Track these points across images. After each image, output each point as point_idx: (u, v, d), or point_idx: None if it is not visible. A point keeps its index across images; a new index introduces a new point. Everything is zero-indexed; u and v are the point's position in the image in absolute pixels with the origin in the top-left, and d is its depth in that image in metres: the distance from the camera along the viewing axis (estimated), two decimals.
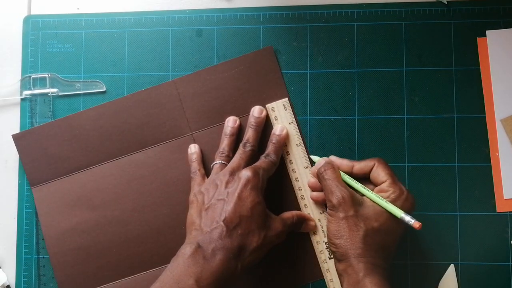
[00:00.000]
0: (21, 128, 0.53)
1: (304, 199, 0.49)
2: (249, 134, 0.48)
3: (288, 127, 0.50)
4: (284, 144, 0.49)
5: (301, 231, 0.49)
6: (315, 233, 0.49)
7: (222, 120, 0.50)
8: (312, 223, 0.48)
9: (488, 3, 0.50)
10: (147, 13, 0.53)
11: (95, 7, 0.54)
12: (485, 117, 0.49)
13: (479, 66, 0.50)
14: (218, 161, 0.47)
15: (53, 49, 0.54)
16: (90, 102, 0.53)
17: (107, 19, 0.53)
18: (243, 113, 0.50)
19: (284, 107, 0.50)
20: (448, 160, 0.49)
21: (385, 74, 0.51)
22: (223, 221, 0.42)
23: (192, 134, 0.51)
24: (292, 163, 0.50)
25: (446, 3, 0.51)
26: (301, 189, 0.49)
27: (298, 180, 0.49)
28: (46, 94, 0.53)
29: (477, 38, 0.50)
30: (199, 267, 0.40)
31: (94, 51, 0.53)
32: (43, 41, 0.54)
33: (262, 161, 0.46)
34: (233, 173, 0.45)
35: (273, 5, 0.52)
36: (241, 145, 0.48)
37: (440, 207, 0.49)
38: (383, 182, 0.43)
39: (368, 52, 0.51)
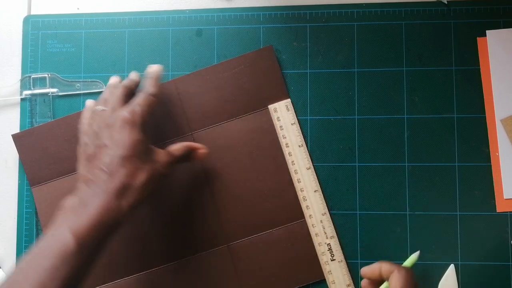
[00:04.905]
0: (21, 128, 0.53)
1: (306, 200, 0.49)
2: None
3: (290, 128, 0.50)
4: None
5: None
6: (317, 234, 0.49)
7: (223, 119, 0.50)
8: (202, 151, 0.48)
9: (488, 3, 0.50)
10: (147, 13, 0.53)
11: (95, 7, 0.54)
12: (485, 117, 0.49)
13: (479, 66, 0.50)
14: (97, 107, 0.45)
15: (53, 49, 0.54)
16: None
17: (107, 19, 0.53)
18: (243, 113, 0.50)
19: (287, 107, 0.50)
20: (448, 160, 0.49)
21: (385, 74, 0.51)
22: (106, 166, 0.41)
23: (192, 134, 0.51)
24: (294, 164, 0.50)
25: (446, 3, 0.51)
26: (303, 190, 0.49)
27: (300, 181, 0.49)
28: (46, 94, 0.53)
29: (477, 38, 0.50)
30: (77, 216, 0.38)
31: (94, 51, 0.53)
32: (43, 41, 0.54)
33: (138, 97, 0.44)
34: (111, 116, 0.43)
35: (273, 5, 0.52)
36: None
37: (440, 207, 0.49)
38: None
39: (368, 52, 0.51)
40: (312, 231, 0.49)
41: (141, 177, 0.41)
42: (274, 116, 0.50)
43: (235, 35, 0.52)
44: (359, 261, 0.49)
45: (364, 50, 0.51)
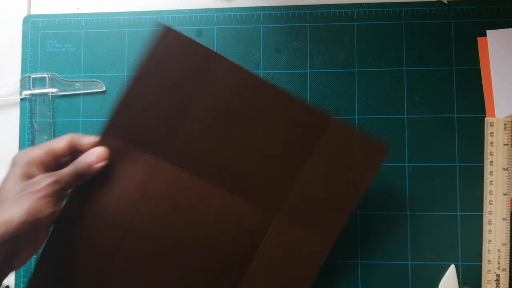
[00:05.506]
0: (20, 128, 0.53)
1: (491, 224, 0.47)
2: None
3: (502, 149, 0.48)
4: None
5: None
6: (489, 261, 0.47)
7: None
8: (99, 150, 0.41)
9: (489, 3, 0.50)
10: (147, 12, 0.53)
11: (95, 7, 0.54)
12: (485, 117, 0.49)
13: (480, 66, 0.50)
14: None
15: (52, 49, 0.54)
16: (89, 102, 0.53)
17: (107, 19, 0.53)
18: None
19: (505, 126, 0.48)
20: (448, 160, 0.49)
21: (385, 73, 0.51)
22: None
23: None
24: (492, 184, 0.48)
25: (446, 2, 0.51)
26: (491, 213, 0.47)
27: (492, 204, 0.47)
28: (45, 94, 0.53)
29: (478, 37, 0.50)
30: None
31: (94, 51, 0.53)
32: (42, 41, 0.54)
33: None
34: None
35: (273, 5, 0.52)
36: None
37: (440, 207, 0.49)
38: None
39: (368, 51, 0.51)
40: (486, 257, 0.47)
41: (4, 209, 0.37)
42: (488, 130, 0.48)
43: (235, 35, 0.52)
44: (359, 261, 0.49)
45: (364, 50, 0.51)
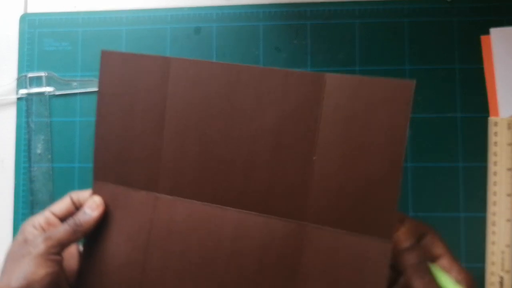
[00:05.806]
0: (17, 128, 0.52)
1: (494, 225, 0.47)
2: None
3: (506, 149, 0.47)
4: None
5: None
6: (493, 263, 0.47)
7: None
8: (91, 200, 0.39)
9: (492, 1, 0.50)
10: (145, 10, 0.53)
11: (92, 5, 0.54)
12: (489, 116, 0.49)
13: (483, 65, 0.49)
14: None
15: (50, 48, 0.53)
16: (87, 101, 0.52)
17: (104, 17, 0.53)
18: None
19: (509, 125, 0.48)
20: (451, 160, 0.49)
21: (387, 72, 0.50)
22: None
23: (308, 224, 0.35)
24: (496, 185, 0.47)
25: (449, 0, 0.50)
26: (494, 214, 0.47)
27: (496, 205, 0.47)
28: (42, 93, 0.52)
29: (481, 36, 0.50)
30: None
31: (91, 49, 0.53)
32: (39, 40, 0.53)
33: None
34: None
35: (273, 2, 0.52)
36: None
37: (443, 208, 0.48)
38: (438, 256, 0.37)
39: (370, 50, 0.50)
40: (489, 259, 0.47)
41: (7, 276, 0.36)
42: (492, 130, 0.48)
43: (234, 33, 0.51)
44: None
45: (366, 48, 0.50)
